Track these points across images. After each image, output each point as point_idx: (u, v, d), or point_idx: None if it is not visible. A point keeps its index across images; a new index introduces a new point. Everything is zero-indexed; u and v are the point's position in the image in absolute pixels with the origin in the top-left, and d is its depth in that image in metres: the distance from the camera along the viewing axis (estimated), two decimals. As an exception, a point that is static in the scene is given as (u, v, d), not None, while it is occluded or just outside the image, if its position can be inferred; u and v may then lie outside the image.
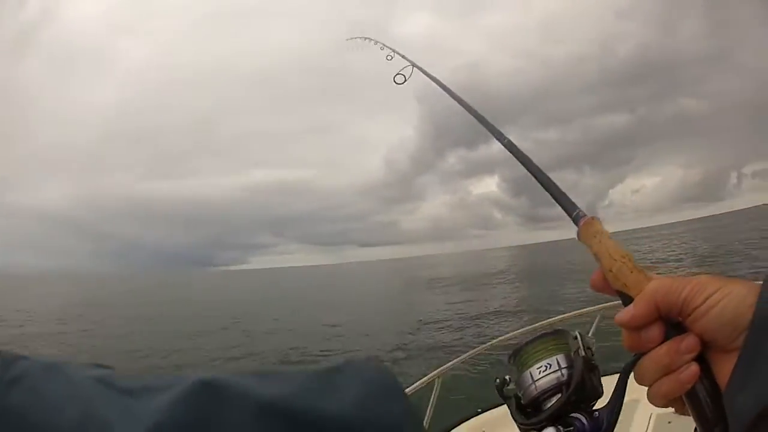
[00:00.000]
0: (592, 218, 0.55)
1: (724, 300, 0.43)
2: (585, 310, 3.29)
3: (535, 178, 0.66)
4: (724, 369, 0.43)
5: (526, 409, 0.53)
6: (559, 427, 0.49)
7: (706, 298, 0.43)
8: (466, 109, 0.95)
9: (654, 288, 0.47)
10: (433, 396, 2.65)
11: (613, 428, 0.49)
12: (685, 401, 0.46)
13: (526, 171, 0.68)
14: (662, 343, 0.46)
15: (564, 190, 0.59)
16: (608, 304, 3.27)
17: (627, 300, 0.49)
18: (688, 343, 0.44)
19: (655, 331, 0.46)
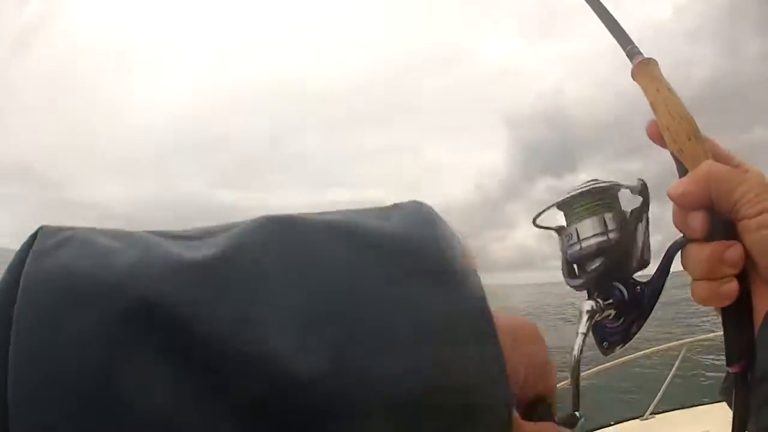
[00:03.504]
0: (651, 59, 0.46)
1: None
2: (669, 345, 3.01)
3: None
4: (763, 300, 0.38)
5: (571, 265, 0.49)
6: (598, 300, 0.45)
7: (760, 212, 0.37)
8: None
9: (708, 172, 0.40)
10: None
11: (653, 306, 0.44)
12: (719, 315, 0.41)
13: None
14: (706, 236, 0.40)
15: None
16: (693, 339, 3.00)
17: (680, 167, 0.43)
18: (732, 254, 0.38)
19: (699, 221, 0.40)
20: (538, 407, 0.29)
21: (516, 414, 0.23)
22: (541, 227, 0.52)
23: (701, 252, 0.40)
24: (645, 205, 0.47)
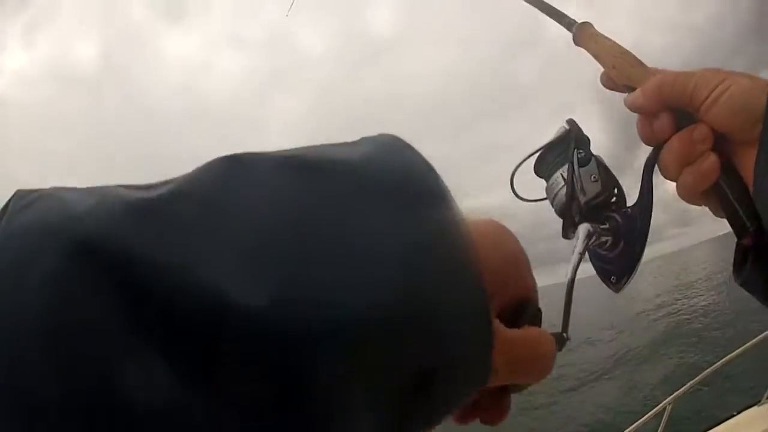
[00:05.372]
0: (585, 22, 0.55)
1: (732, 89, 0.40)
2: (656, 410, 2.69)
3: None
4: (747, 162, 0.41)
5: (565, 213, 0.50)
6: (595, 225, 0.47)
7: (713, 89, 0.41)
8: None
9: (660, 79, 0.45)
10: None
11: (647, 223, 0.47)
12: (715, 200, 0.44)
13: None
14: (673, 133, 0.44)
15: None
16: (678, 392, 2.72)
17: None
18: (700, 131, 0.42)
19: (665, 120, 0.44)
20: (524, 311, 0.26)
21: (497, 321, 0.23)
22: (529, 200, 0.55)
23: (671, 145, 0.43)
24: (582, 147, 0.49)
